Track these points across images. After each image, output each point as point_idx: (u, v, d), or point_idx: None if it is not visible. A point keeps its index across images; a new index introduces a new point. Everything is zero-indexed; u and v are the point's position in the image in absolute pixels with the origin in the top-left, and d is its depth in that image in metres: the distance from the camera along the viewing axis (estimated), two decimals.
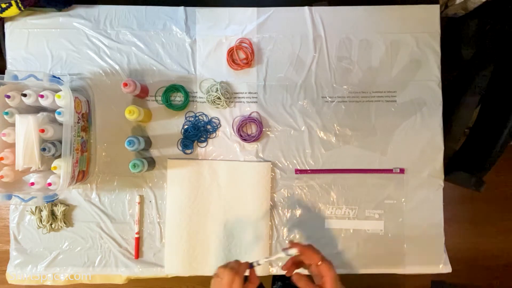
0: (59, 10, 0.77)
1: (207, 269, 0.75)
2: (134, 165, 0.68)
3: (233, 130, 0.77)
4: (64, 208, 0.75)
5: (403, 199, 0.77)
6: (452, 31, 0.85)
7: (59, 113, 0.65)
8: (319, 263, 0.49)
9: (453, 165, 0.79)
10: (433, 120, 0.77)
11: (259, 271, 0.75)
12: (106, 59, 0.77)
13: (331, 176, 0.77)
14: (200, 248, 0.76)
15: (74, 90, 0.73)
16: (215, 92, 0.75)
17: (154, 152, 0.77)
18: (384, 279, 1.40)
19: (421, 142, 0.77)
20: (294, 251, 0.51)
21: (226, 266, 0.51)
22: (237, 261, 0.53)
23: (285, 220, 0.77)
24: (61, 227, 0.76)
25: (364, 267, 0.77)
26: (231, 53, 0.77)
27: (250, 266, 0.53)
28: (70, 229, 0.77)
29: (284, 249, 0.52)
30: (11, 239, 0.76)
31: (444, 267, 0.77)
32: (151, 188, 0.77)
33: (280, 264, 0.76)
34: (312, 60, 0.78)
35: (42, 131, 0.64)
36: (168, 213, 0.76)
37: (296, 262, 0.53)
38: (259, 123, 0.76)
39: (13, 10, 0.72)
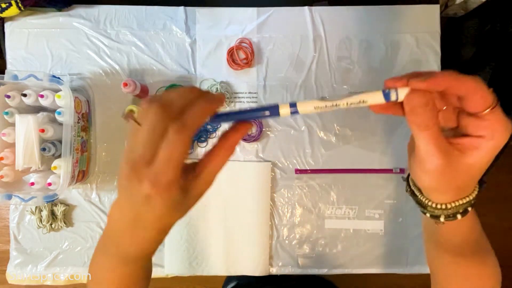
0: (59, 10, 0.77)
1: (207, 269, 0.75)
2: None
3: None
4: (64, 208, 0.75)
5: (403, 199, 0.77)
6: (452, 31, 0.85)
7: (59, 113, 0.65)
8: (486, 110, 0.26)
9: None
10: None
11: (260, 272, 0.75)
12: (106, 59, 0.77)
13: (331, 176, 0.77)
14: (200, 248, 0.75)
15: (74, 90, 0.73)
16: (215, 92, 0.75)
17: None
18: (384, 279, 1.40)
19: None
20: (403, 94, 0.26)
21: (169, 97, 0.25)
22: (196, 91, 0.27)
23: (285, 220, 0.77)
24: (61, 227, 0.76)
25: (364, 267, 0.77)
26: (231, 53, 0.77)
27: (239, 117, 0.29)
28: (70, 229, 0.76)
29: (389, 90, 0.26)
30: (11, 239, 0.76)
31: None
32: None
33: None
34: (312, 60, 0.78)
35: (42, 131, 0.64)
36: None
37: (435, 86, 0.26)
38: (259, 123, 0.76)
39: (13, 10, 0.72)
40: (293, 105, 0.28)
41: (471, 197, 0.31)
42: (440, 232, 0.35)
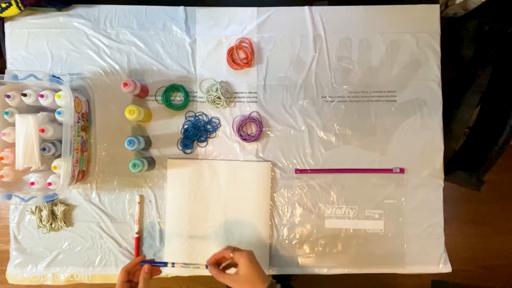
0: (59, 9, 0.77)
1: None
2: (134, 165, 0.68)
3: (233, 130, 0.77)
4: (64, 207, 0.75)
5: (403, 199, 0.77)
6: (452, 31, 0.85)
7: (59, 113, 0.65)
8: (231, 255, 0.58)
9: (453, 165, 0.79)
10: (433, 120, 0.77)
11: None
12: (106, 59, 0.77)
13: (331, 176, 0.77)
14: (200, 248, 0.75)
15: (74, 89, 0.73)
16: (215, 91, 0.75)
17: (154, 152, 0.77)
18: (384, 279, 1.40)
19: (421, 142, 0.77)
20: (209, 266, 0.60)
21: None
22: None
23: (285, 220, 0.77)
24: (61, 227, 0.76)
25: (364, 267, 0.77)
26: (231, 53, 0.77)
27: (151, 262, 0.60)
28: (70, 229, 0.76)
29: (207, 266, 0.60)
30: (11, 239, 0.76)
31: (444, 267, 0.77)
32: (151, 188, 0.77)
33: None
34: (312, 60, 0.78)
35: (42, 131, 0.64)
36: (168, 213, 0.76)
37: (218, 259, 0.61)
38: (259, 122, 0.76)
39: (13, 10, 0.72)
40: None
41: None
42: None
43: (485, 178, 0.75)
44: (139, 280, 0.57)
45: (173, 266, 0.61)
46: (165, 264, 0.61)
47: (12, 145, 0.66)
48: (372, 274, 0.77)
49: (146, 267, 0.58)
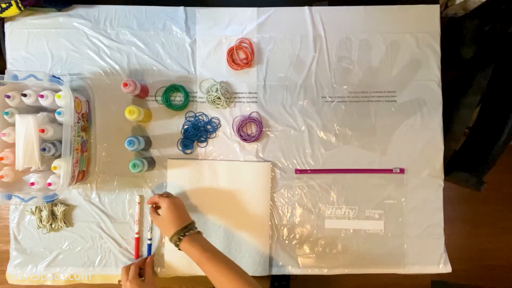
0: (59, 10, 0.77)
1: None
2: (134, 165, 0.68)
3: (233, 130, 0.77)
4: (64, 208, 0.75)
5: (403, 199, 0.77)
6: (452, 31, 0.85)
7: (59, 113, 0.65)
8: (157, 199, 0.67)
9: (453, 165, 0.79)
10: (433, 120, 0.77)
11: (260, 272, 0.75)
12: (106, 59, 0.77)
13: (331, 176, 0.77)
14: None
15: (74, 90, 0.73)
16: (215, 92, 0.75)
17: (154, 152, 0.77)
18: (384, 279, 1.40)
19: (421, 142, 0.77)
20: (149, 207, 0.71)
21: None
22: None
23: (285, 220, 0.77)
24: (61, 227, 0.76)
25: (364, 267, 0.77)
26: (231, 53, 0.77)
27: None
28: (70, 229, 0.76)
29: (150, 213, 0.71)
30: (11, 239, 0.76)
31: (444, 267, 0.77)
32: (151, 188, 0.77)
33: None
34: (312, 60, 0.78)
35: (42, 131, 0.64)
36: None
37: (154, 202, 0.70)
38: (259, 123, 0.76)
39: (13, 10, 0.72)
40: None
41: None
42: None
43: (485, 178, 0.75)
44: (146, 267, 0.72)
45: (150, 239, 0.76)
46: (150, 246, 0.76)
47: (12, 145, 0.66)
48: (372, 274, 0.77)
49: (149, 257, 0.75)
